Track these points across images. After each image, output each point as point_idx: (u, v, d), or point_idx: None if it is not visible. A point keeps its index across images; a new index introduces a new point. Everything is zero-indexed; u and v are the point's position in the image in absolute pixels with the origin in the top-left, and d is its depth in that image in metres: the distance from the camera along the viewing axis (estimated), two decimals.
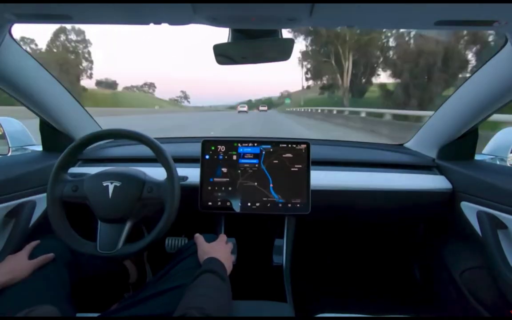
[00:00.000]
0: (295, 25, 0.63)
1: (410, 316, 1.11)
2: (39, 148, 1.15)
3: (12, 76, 0.85)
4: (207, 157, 0.99)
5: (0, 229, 0.88)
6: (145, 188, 0.82)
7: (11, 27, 0.74)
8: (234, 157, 0.99)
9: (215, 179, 0.98)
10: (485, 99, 0.88)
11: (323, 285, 1.35)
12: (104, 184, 0.81)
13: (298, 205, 0.97)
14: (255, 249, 1.01)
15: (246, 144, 0.99)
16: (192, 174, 0.99)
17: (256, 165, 0.98)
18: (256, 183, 0.98)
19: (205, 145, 0.99)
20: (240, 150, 0.99)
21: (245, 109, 37.73)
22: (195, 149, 1.03)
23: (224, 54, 0.76)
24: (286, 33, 0.70)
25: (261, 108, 45.23)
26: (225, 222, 1.04)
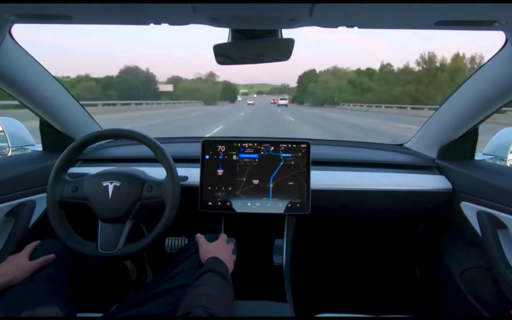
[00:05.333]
0: (295, 25, 0.63)
1: (410, 316, 1.11)
2: (39, 148, 1.15)
3: (12, 76, 0.85)
4: (207, 157, 0.99)
5: (0, 229, 0.88)
6: (144, 187, 0.82)
7: (11, 27, 0.74)
8: (234, 157, 0.99)
9: (215, 179, 0.98)
10: (485, 99, 0.88)
11: (323, 285, 1.35)
12: (104, 184, 0.81)
13: (298, 205, 0.97)
14: (255, 249, 1.01)
15: (246, 144, 0.99)
16: (192, 174, 0.99)
17: (256, 165, 0.99)
18: (256, 183, 0.98)
19: (205, 145, 0.99)
20: (240, 150, 0.99)
21: (252, 102, 47.79)
22: (195, 149, 1.03)
23: (224, 54, 0.76)
24: (286, 33, 0.70)
25: (280, 101, 32.64)
26: (225, 222, 1.04)
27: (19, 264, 0.71)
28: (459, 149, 1.06)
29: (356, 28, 0.62)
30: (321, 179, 1.03)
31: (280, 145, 0.99)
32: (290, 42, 0.71)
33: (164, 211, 0.80)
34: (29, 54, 0.86)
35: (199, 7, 0.54)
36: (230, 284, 0.67)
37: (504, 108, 0.94)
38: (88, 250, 0.79)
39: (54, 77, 0.99)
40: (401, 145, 1.33)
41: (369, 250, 1.44)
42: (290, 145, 0.99)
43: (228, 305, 0.61)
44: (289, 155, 0.99)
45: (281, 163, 0.98)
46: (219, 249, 0.76)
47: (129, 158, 1.12)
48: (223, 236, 0.84)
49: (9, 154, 1.07)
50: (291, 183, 0.97)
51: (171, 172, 0.82)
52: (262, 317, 0.78)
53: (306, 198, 0.96)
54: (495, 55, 0.80)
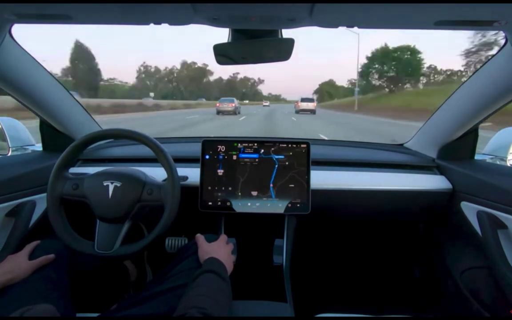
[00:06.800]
0: (295, 25, 0.63)
1: (410, 316, 1.11)
2: (39, 148, 1.15)
3: (12, 76, 0.85)
4: (207, 157, 0.99)
5: (0, 229, 0.88)
6: (145, 190, 0.82)
7: (11, 27, 0.74)
8: (234, 157, 0.99)
9: (215, 179, 0.98)
10: (485, 99, 0.88)
11: (323, 285, 1.35)
12: (105, 184, 0.81)
13: (298, 205, 0.97)
14: (255, 249, 1.01)
15: (246, 144, 0.99)
16: (192, 174, 0.99)
17: (257, 165, 0.99)
18: (256, 183, 0.98)
19: (205, 145, 0.99)
20: (241, 150, 0.99)
21: (268, 104, 49.19)
22: (195, 149, 1.03)
23: (224, 54, 0.76)
24: (286, 33, 0.70)
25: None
26: (225, 222, 1.04)
27: (19, 264, 0.71)
28: (459, 149, 1.06)
29: (356, 28, 0.62)
30: (321, 179, 1.03)
31: (280, 145, 0.99)
32: (290, 42, 0.71)
33: (163, 215, 0.80)
34: (29, 54, 0.87)
35: (199, 7, 0.54)
36: (228, 284, 0.66)
37: None
38: (84, 248, 0.79)
39: (54, 77, 0.99)
40: (401, 145, 1.33)
41: (369, 250, 1.44)
42: (290, 145, 0.99)
43: (225, 305, 0.61)
44: (282, 156, 0.98)
45: (276, 166, 0.98)
46: (218, 249, 0.76)
47: (129, 158, 1.12)
48: (222, 237, 0.84)
49: (9, 154, 1.07)
50: (292, 185, 0.97)
51: (171, 174, 0.81)
52: (262, 317, 0.78)
53: (306, 198, 0.96)
54: (495, 55, 0.80)
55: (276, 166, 0.98)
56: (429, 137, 1.17)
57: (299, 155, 0.98)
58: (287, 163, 0.98)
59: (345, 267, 1.43)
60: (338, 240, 1.44)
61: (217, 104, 18.72)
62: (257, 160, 0.99)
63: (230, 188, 0.98)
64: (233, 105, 18.19)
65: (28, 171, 0.94)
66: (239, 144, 0.99)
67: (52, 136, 1.10)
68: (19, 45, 0.82)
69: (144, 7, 0.55)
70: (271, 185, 0.97)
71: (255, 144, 0.99)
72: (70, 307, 0.73)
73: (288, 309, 0.80)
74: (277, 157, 0.99)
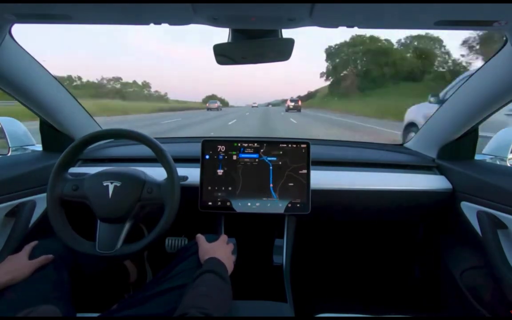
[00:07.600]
0: (295, 25, 0.63)
1: (410, 316, 1.11)
2: (39, 148, 1.15)
3: (12, 76, 0.85)
4: (207, 157, 0.99)
5: (0, 229, 0.88)
6: (145, 188, 0.82)
7: (11, 27, 0.74)
8: (234, 157, 0.99)
9: (215, 179, 0.98)
10: (485, 99, 0.88)
11: (323, 285, 1.35)
12: (104, 184, 0.81)
13: (298, 205, 0.97)
14: (255, 249, 1.01)
15: (246, 144, 0.99)
16: (192, 174, 0.99)
17: (256, 165, 0.99)
18: (256, 183, 0.98)
19: (205, 145, 0.99)
20: (241, 150, 0.99)
21: (256, 105, 53.21)
22: (195, 149, 1.03)
23: (224, 54, 0.77)
24: (286, 33, 0.70)
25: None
26: (225, 222, 1.04)
27: (19, 264, 0.71)
28: (459, 149, 1.07)
29: (356, 28, 0.62)
30: (321, 179, 1.03)
31: (280, 145, 0.99)
32: (290, 42, 0.71)
33: (163, 214, 0.80)
34: (29, 54, 0.87)
35: (199, 7, 0.54)
36: (228, 284, 0.66)
37: None
38: (86, 249, 0.79)
39: (54, 77, 0.99)
40: (401, 145, 1.33)
41: (369, 250, 1.44)
42: (290, 145, 0.99)
43: (226, 305, 0.61)
44: (274, 158, 0.99)
45: (271, 167, 0.98)
46: (218, 249, 0.76)
47: (129, 158, 1.12)
48: (223, 237, 0.84)
49: (9, 154, 1.07)
50: (291, 184, 0.97)
51: (171, 174, 0.81)
52: (262, 317, 0.78)
53: (306, 198, 0.96)
54: (495, 55, 0.80)
55: (271, 167, 0.98)
56: (429, 137, 1.17)
57: (299, 155, 0.98)
58: (280, 163, 0.98)
59: (345, 267, 1.43)
60: (338, 240, 1.44)
61: (207, 105, 28.15)
62: (257, 160, 0.99)
63: (230, 188, 0.98)
64: (217, 105, 27.03)
65: (28, 171, 0.94)
66: (239, 144, 0.99)
67: (52, 136, 1.10)
68: (19, 45, 0.82)
69: (144, 7, 0.56)
70: (271, 185, 0.97)
71: (255, 144, 0.99)
72: (70, 307, 0.73)
73: (288, 309, 0.80)
74: (269, 158, 0.99)
